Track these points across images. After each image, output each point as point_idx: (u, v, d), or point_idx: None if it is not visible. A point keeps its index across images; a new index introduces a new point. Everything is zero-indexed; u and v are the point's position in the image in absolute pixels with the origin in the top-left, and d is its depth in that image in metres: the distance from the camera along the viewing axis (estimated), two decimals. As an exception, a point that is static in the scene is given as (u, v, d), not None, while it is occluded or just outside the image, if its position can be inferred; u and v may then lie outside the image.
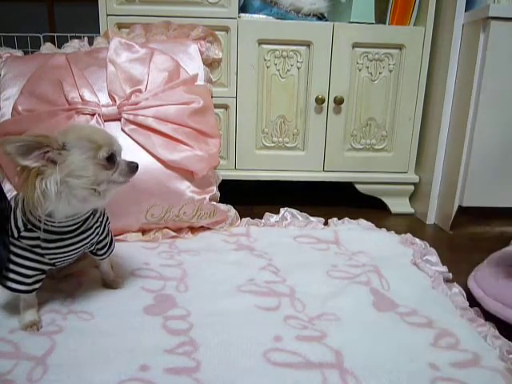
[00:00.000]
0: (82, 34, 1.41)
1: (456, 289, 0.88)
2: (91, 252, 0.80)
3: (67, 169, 0.64)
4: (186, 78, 1.21)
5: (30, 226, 0.68)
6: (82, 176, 0.66)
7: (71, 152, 0.65)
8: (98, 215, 0.76)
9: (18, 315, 0.73)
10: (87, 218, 0.73)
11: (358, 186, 1.47)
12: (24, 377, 0.60)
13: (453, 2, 1.25)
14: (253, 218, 1.27)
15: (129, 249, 1.02)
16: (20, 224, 0.69)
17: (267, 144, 1.44)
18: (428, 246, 1.10)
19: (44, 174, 0.63)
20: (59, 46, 1.33)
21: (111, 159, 0.69)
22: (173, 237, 1.12)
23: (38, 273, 0.72)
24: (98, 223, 0.76)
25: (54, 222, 0.68)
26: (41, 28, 1.94)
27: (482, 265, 0.93)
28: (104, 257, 0.82)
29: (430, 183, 1.39)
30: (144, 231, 1.13)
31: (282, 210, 1.30)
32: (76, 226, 0.71)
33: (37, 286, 0.73)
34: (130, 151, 1.07)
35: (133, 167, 0.73)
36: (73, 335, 0.70)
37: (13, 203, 0.72)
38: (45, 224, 0.68)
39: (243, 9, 1.39)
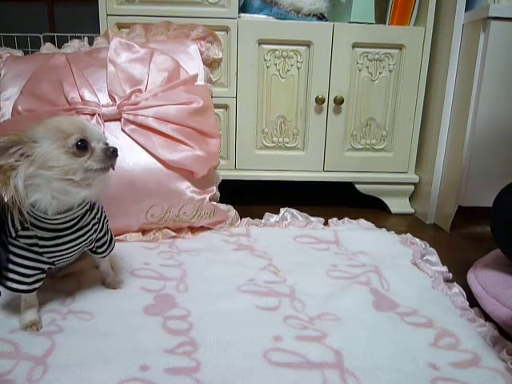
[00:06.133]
0: (82, 34, 1.41)
1: (456, 289, 0.88)
2: (91, 250, 0.80)
3: (38, 161, 0.64)
4: (186, 77, 1.21)
5: (26, 225, 0.68)
6: (54, 166, 0.65)
7: (40, 144, 0.65)
8: (94, 212, 0.75)
9: (18, 315, 0.73)
10: (84, 215, 0.73)
11: (358, 186, 1.47)
12: (24, 377, 0.60)
13: (453, 2, 1.25)
14: (253, 218, 1.27)
15: (129, 249, 1.02)
16: (17, 223, 0.69)
17: (267, 144, 1.44)
18: (428, 245, 1.10)
19: (16, 169, 0.63)
20: (59, 46, 1.33)
21: (83, 146, 0.67)
22: (173, 237, 1.12)
23: (37, 272, 0.72)
24: (96, 220, 0.76)
25: (49, 219, 0.68)
26: (41, 28, 1.94)
27: (482, 259, 0.93)
28: (104, 255, 0.82)
29: (430, 183, 1.39)
30: (144, 231, 1.13)
31: (282, 210, 1.30)
32: (72, 223, 0.71)
33: (37, 285, 0.73)
34: (130, 151, 1.09)
35: (109, 153, 0.69)
36: (73, 335, 0.70)
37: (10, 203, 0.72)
38: (40, 221, 0.68)
39: (243, 9, 1.39)
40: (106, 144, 0.71)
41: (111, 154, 0.69)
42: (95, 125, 0.73)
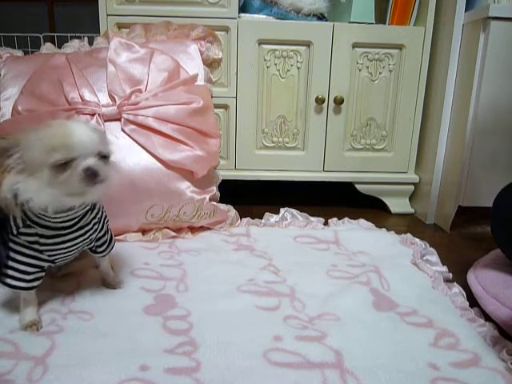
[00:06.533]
0: (82, 34, 1.41)
1: (456, 289, 0.88)
2: (91, 250, 0.80)
3: (29, 168, 0.64)
4: (186, 77, 1.21)
5: (28, 223, 0.69)
6: (39, 178, 0.64)
7: (30, 153, 0.64)
8: (96, 211, 0.76)
9: (18, 315, 0.73)
10: (85, 214, 0.73)
11: (357, 186, 1.47)
12: (24, 377, 0.60)
13: (453, 2, 1.25)
14: (253, 218, 1.27)
15: (129, 249, 1.02)
16: (18, 220, 0.69)
17: (267, 144, 1.44)
18: (428, 245, 1.10)
19: (9, 173, 0.64)
20: (59, 46, 1.33)
21: (63, 164, 0.64)
22: (173, 237, 1.12)
23: (37, 270, 0.72)
24: (96, 219, 0.76)
25: (51, 217, 0.68)
26: (41, 28, 1.94)
27: (482, 259, 0.93)
28: (103, 254, 0.82)
29: (430, 183, 1.39)
30: (144, 231, 1.13)
31: (282, 210, 1.30)
32: (73, 222, 0.71)
33: (36, 283, 0.73)
34: (130, 151, 1.09)
35: (88, 175, 0.65)
36: (73, 335, 0.70)
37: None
38: (42, 219, 0.68)
39: (243, 9, 1.39)
40: (104, 155, 0.68)
41: (91, 177, 0.65)
42: (90, 133, 0.68)
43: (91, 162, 0.66)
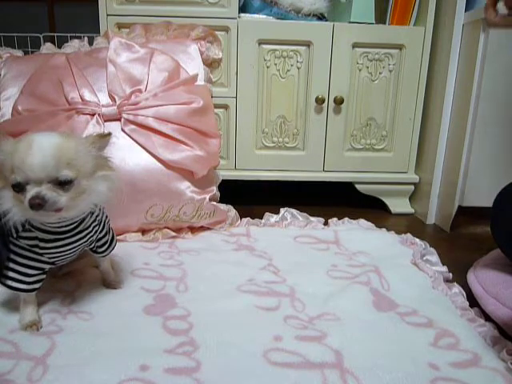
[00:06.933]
0: (82, 34, 1.41)
1: (456, 289, 0.88)
2: (91, 250, 0.80)
3: (5, 181, 0.64)
4: (186, 77, 1.21)
5: (27, 227, 0.68)
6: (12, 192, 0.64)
7: (3, 166, 0.64)
8: (96, 213, 0.75)
9: (18, 315, 0.73)
10: (84, 218, 0.72)
11: (357, 186, 1.47)
12: (24, 377, 0.60)
13: (453, 2, 1.25)
14: (253, 218, 1.27)
15: (129, 249, 1.02)
16: (18, 224, 0.68)
17: (267, 144, 1.44)
18: (428, 246, 1.10)
19: None
20: (59, 46, 1.33)
21: (18, 186, 0.62)
22: (173, 237, 1.12)
23: (38, 272, 0.72)
24: (97, 222, 0.76)
25: (50, 223, 0.68)
26: (41, 28, 1.94)
27: (482, 259, 0.93)
28: (104, 254, 0.82)
29: (429, 183, 1.39)
30: (144, 231, 1.13)
31: (282, 210, 1.30)
32: (73, 226, 0.71)
33: (37, 285, 0.73)
34: (130, 151, 1.09)
35: (34, 205, 0.60)
36: (73, 335, 0.70)
37: None
38: (42, 224, 0.68)
39: (243, 9, 1.39)
40: (61, 181, 0.62)
41: (34, 207, 0.61)
42: (50, 156, 0.61)
43: (39, 190, 0.61)
